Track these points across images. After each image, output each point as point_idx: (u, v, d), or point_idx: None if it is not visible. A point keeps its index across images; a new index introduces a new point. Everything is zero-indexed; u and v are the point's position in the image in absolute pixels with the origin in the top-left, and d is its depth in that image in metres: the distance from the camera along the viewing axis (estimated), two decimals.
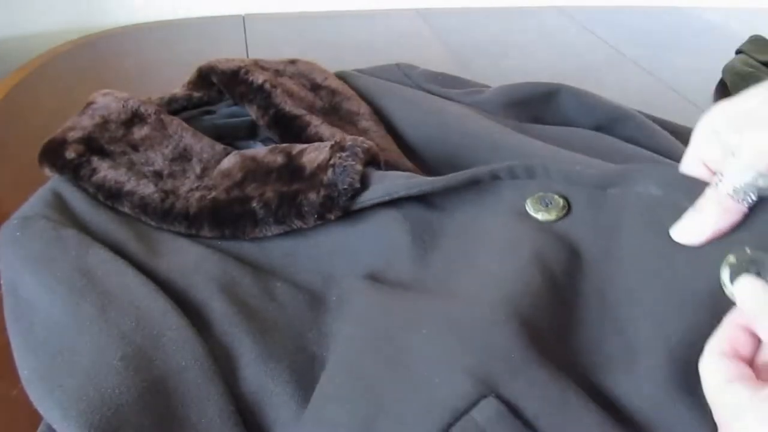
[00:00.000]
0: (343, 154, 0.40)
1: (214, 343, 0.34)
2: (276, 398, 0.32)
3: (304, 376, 0.33)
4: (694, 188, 0.33)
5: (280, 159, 0.43)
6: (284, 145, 0.44)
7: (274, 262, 0.40)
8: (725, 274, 0.30)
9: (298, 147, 0.43)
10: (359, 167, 0.40)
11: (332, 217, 0.39)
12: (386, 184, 0.39)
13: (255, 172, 0.43)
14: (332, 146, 0.41)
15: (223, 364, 0.34)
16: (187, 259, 0.39)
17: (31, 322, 0.35)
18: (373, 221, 0.40)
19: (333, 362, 0.33)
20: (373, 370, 0.31)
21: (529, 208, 0.38)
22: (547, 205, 0.38)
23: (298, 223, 0.40)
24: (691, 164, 0.35)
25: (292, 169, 0.42)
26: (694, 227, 0.32)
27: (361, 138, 0.42)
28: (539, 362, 0.29)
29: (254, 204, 0.40)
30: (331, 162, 0.40)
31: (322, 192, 0.39)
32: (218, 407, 0.32)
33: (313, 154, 0.42)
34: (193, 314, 0.36)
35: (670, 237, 0.33)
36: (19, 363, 0.34)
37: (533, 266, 0.34)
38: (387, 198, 0.39)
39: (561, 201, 0.37)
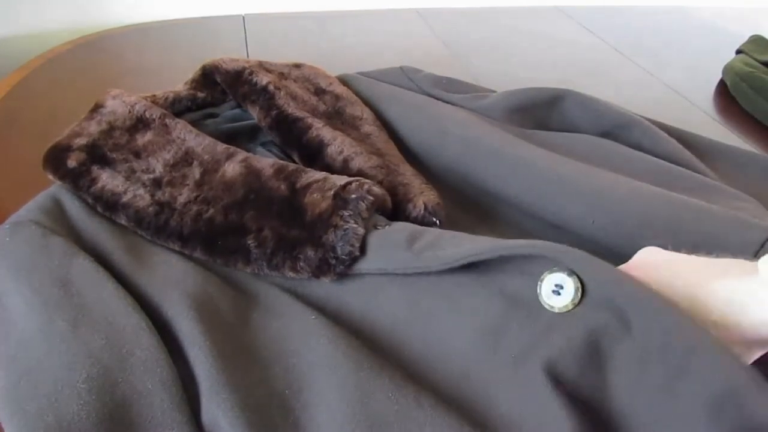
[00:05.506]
0: (346, 213, 0.39)
1: (179, 365, 0.34)
2: None
3: (258, 412, 0.32)
4: None
5: (283, 188, 0.41)
6: (290, 168, 0.43)
7: (260, 291, 0.39)
8: None
9: (302, 178, 0.42)
10: (361, 231, 0.38)
11: (327, 280, 0.38)
12: (385, 253, 0.38)
13: (257, 194, 0.41)
14: (335, 194, 0.40)
15: (188, 389, 0.33)
16: (170, 274, 0.39)
17: (8, 334, 0.35)
18: (369, 280, 0.39)
19: None
20: None
21: (543, 298, 0.34)
22: (559, 292, 0.33)
23: (291, 275, 0.39)
24: None
25: (293, 209, 0.40)
26: None
27: (367, 184, 0.41)
28: None
29: (249, 241, 0.40)
30: (333, 222, 0.39)
31: (320, 253, 0.38)
32: None
33: (316, 196, 0.40)
34: (163, 331, 0.35)
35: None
36: None
37: (550, 389, 0.31)
38: (383, 272, 0.38)
39: (572, 281, 0.33)
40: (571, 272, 0.33)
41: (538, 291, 0.34)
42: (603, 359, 0.32)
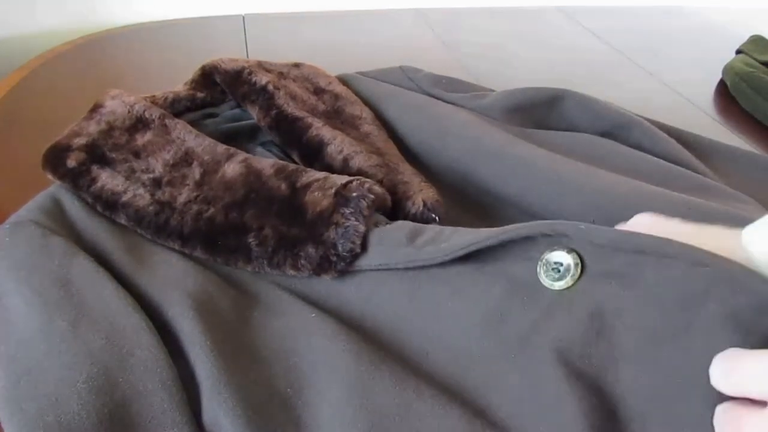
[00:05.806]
0: (347, 211, 0.39)
1: (179, 365, 0.34)
2: None
3: (259, 411, 0.32)
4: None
5: (284, 187, 0.41)
6: (291, 168, 0.43)
7: (261, 290, 0.39)
8: None
9: (303, 177, 0.42)
10: (362, 228, 0.38)
11: (328, 278, 0.38)
12: (386, 249, 0.38)
13: (257, 193, 0.41)
14: (336, 192, 0.40)
15: (188, 389, 0.33)
16: (171, 273, 0.39)
17: (8, 334, 0.35)
18: (370, 276, 0.38)
19: None
20: None
21: (543, 278, 0.34)
22: (559, 270, 0.33)
23: (291, 273, 0.39)
24: None
25: (293, 207, 0.40)
26: None
27: (368, 183, 0.41)
28: None
29: (250, 239, 0.39)
30: (334, 219, 0.39)
31: (321, 250, 0.38)
32: None
33: (316, 194, 0.40)
34: (163, 331, 0.35)
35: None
36: None
37: (556, 368, 0.31)
38: (384, 267, 0.38)
39: (571, 258, 0.33)
40: (571, 249, 0.33)
41: (538, 271, 0.34)
42: (609, 331, 0.31)
